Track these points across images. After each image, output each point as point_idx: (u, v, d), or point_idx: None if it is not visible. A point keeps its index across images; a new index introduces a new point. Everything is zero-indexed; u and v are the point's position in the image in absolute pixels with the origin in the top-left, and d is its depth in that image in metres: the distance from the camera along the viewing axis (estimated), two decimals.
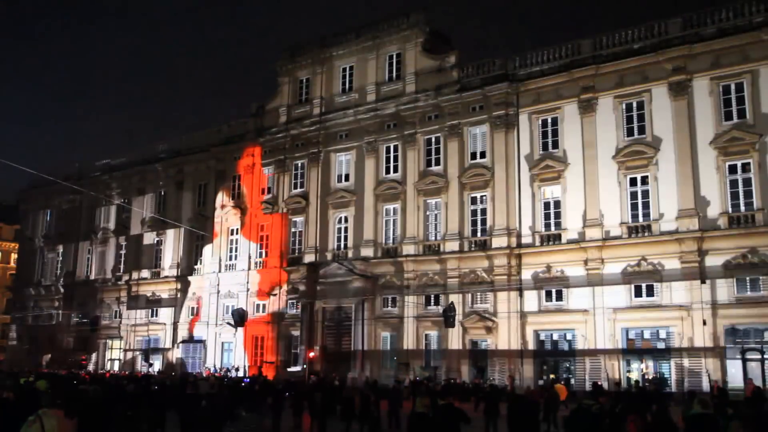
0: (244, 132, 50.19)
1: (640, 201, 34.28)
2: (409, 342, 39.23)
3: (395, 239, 41.75)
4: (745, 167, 32.04)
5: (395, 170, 42.53)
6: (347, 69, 46.36)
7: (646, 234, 33.77)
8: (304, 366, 39.71)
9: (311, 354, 40.14)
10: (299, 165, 47.31)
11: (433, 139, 41.42)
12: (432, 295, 39.45)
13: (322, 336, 42.72)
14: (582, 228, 35.31)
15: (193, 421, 15.67)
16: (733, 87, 32.69)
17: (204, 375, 37.92)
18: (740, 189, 31.93)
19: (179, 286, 51.55)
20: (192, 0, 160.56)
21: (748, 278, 30.94)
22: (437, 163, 40.90)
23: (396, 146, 42.81)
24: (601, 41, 36.57)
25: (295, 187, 47.15)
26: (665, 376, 32.15)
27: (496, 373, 35.49)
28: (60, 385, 22.70)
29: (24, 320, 63.58)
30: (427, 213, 40.92)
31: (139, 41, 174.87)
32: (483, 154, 39.26)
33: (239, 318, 43.04)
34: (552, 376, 34.09)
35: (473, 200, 39.39)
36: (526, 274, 36.51)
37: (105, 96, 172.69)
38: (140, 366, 49.39)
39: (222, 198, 50.63)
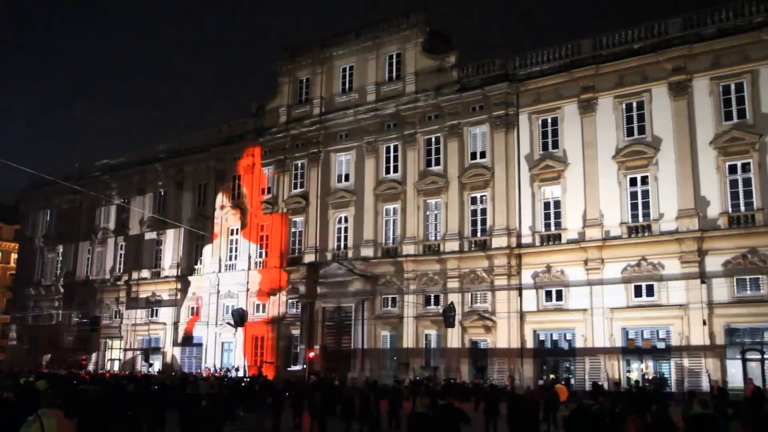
0: (244, 132, 50.19)
1: (640, 201, 34.26)
2: (408, 342, 39.25)
3: (395, 239, 41.75)
4: (745, 167, 32.02)
5: (395, 170, 42.54)
6: (347, 69, 46.35)
7: (646, 234, 33.75)
8: (304, 366, 39.70)
9: (311, 354, 40.12)
10: (299, 165, 47.31)
11: (433, 139, 41.41)
12: (432, 295, 39.47)
13: (322, 336, 42.72)
14: (582, 228, 35.31)
15: (193, 421, 15.69)
16: (733, 87, 32.67)
17: (204, 375, 37.96)
18: (740, 189, 31.91)
19: (179, 286, 51.57)
20: (192, 0, 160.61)
21: (747, 278, 30.93)
22: (437, 163, 40.90)
23: (396, 146, 42.81)
24: (601, 41, 36.56)
25: (295, 187, 47.14)
26: (665, 376, 32.14)
27: (496, 372, 35.51)
28: (60, 385, 22.76)
29: (24, 320, 63.60)
30: (427, 213, 40.92)
31: (139, 41, 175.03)
32: (483, 154, 39.26)
33: (239, 318, 43.03)
34: (552, 376, 34.10)
35: (473, 200, 39.38)
36: (526, 274, 36.51)
37: (105, 96, 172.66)
38: (140, 366, 49.42)
39: (222, 198, 50.62)
